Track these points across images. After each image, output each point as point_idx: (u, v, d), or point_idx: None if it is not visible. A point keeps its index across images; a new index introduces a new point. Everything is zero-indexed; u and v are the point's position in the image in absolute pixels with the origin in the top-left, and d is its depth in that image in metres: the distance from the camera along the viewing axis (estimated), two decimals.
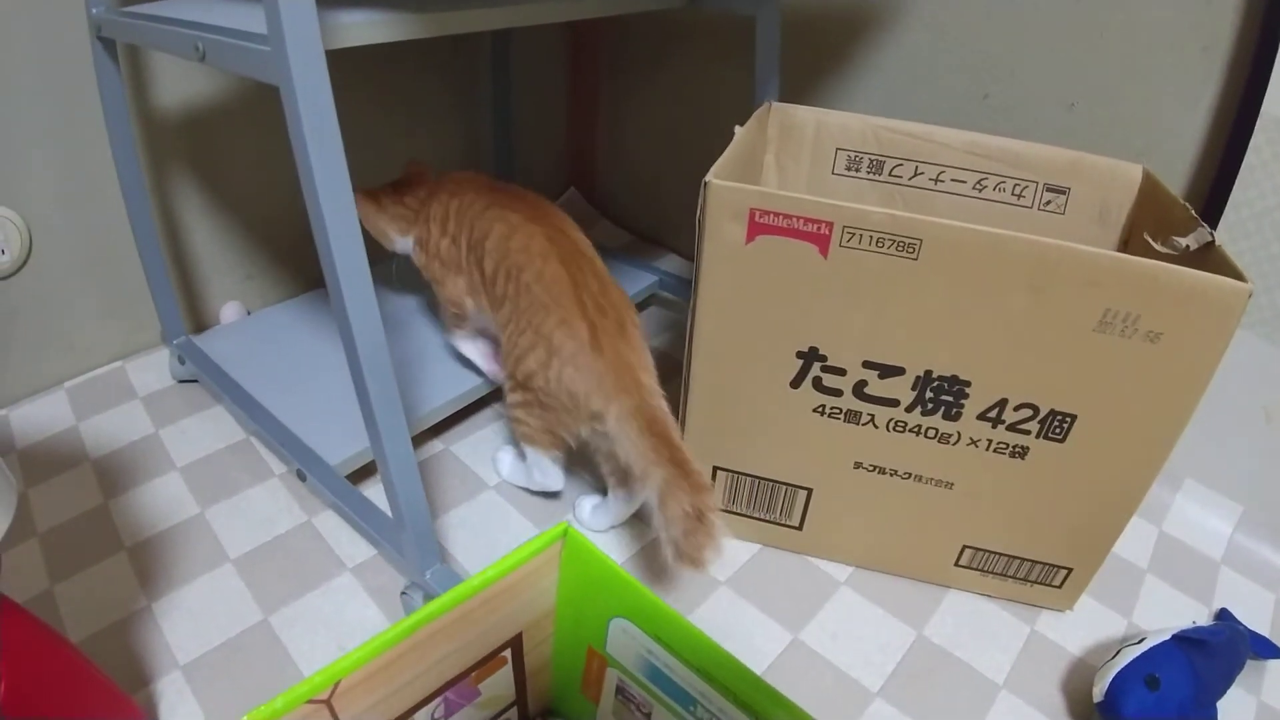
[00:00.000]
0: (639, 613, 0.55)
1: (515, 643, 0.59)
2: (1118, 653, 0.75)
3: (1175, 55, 0.90)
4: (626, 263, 1.34)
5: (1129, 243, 0.88)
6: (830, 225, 0.68)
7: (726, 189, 0.69)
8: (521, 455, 0.92)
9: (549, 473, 0.88)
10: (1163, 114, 0.93)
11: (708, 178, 0.70)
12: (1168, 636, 0.75)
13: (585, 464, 0.94)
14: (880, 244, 0.68)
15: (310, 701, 0.48)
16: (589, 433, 0.81)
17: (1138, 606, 0.88)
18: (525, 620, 0.59)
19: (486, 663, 0.58)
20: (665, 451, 0.74)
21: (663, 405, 0.79)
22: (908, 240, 0.67)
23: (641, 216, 1.62)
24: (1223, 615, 0.87)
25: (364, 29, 0.65)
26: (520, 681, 0.63)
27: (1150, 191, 0.85)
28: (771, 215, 0.69)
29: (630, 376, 0.79)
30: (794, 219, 0.68)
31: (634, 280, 1.27)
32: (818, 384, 0.76)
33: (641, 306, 1.34)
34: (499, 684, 0.61)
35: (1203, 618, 0.87)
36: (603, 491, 0.91)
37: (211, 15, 0.71)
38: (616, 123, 1.58)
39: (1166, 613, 0.87)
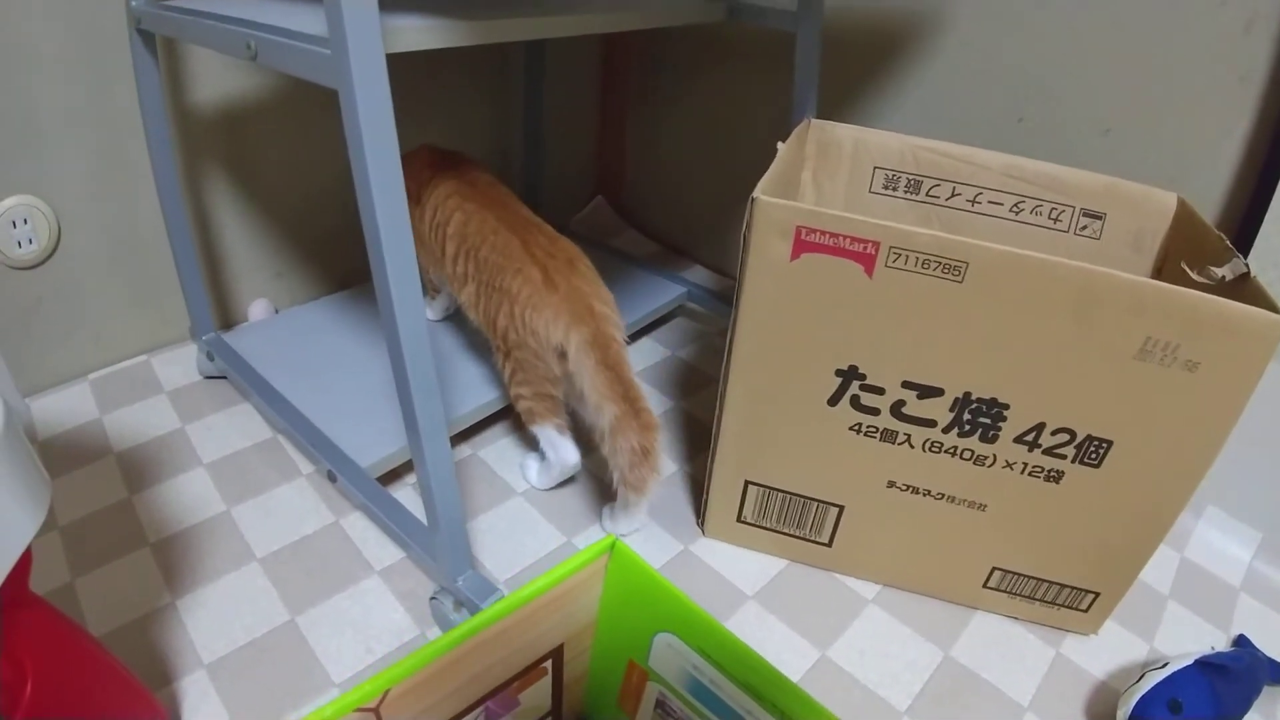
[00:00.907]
0: (686, 628, 0.55)
1: (557, 654, 0.59)
2: (1142, 676, 0.76)
3: (1211, 84, 0.91)
4: (654, 273, 1.34)
5: (1162, 270, 0.89)
6: (877, 245, 0.68)
7: (774, 206, 0.69)
8: (540, 454, 0.96)
9: (560, 446, 0.91)
10: (1197, 142, 0.93)
11: (755, 194, 0.70)
12: (1190, 661, 0.75)
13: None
14: (926, 265, 0.68)
15: (359, 709, 0.48)
16: (563, 374, 0.87)
17: (1159, 631, 0.88)
18: (568, 631, 0.59)
19: (528, 673, 0.58)
20: (619, 388, 0.82)
21: (619, 337, 0.85)
22: (954, 262, 0.67)
23: (667, 227, 1.62)
24: (1241, 641, 0.87)
25: (421, 34, 0.65)
26: (558, 692, 0.63)
27: (1185, 220, 0.85)
28: (818, 233, 0.69)
29: (584, 305, 0.85)
30: (840, 238, 0.68)
31: (662, 291, 1.27)
32: (855, 402, 0.76)
33: (668, 318, 1.34)
34: (538, 694, 0.61)
35: (1221, 643, 0.87)
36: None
37: (261, 13, 0.71)
38: (645, 133, 1.58)
39: (1187, 638, 0.87)
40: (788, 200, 0.70)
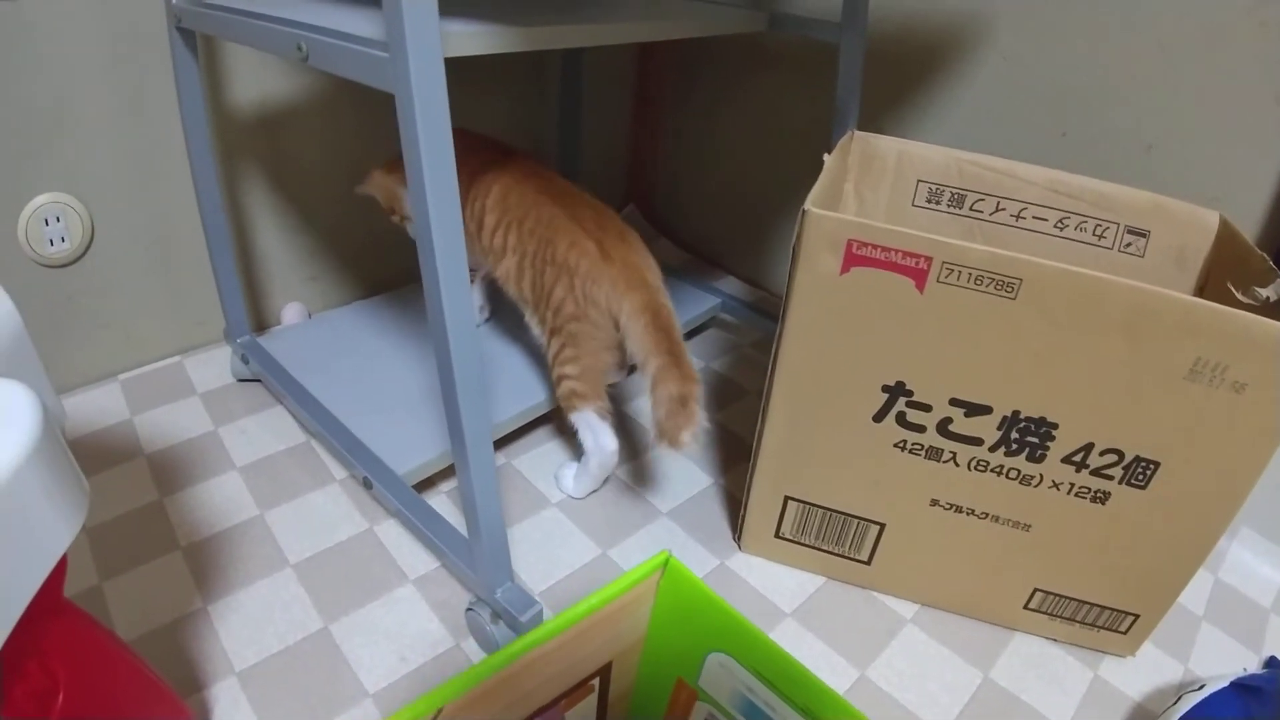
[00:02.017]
0: (742, 648, 0.54)
1: (604, 671, 0.58)
2: (1179, 699, 0.75)
3: (1251, 104, 0.90)
4: (687, 283, 1.33)
5: (1205, 289, 0.88)
6: (929, 260, 0.67)
7: (825, 218, 0.68)
8: (577, 461, 0.97)
9: (600, 432, 0.91)
10: (1237, 162, 0.93)
11: (806, 206, 0.69)
12: (1226, 683, 0.75)
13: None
14: (979, 281, 0.67)
15: None
16: (618, 350, 0.90)
17: (1194, 653, 0.87)
18: (617, 649, 0.58)
19: (575, 691, 0.57)
20: (665, 344, 0.85)
21: (667, 303, 0.88)
22: (1008, 279, 0.66)
23: (700, 237, 1.61)
24: (1272, 663, 0.86)
25: (476, 39, 0.65)
26: (603, 710, 0.62)
27: (1227, 239, 0.84)
28: (869, 247, 0.68)
29: (638, 275, 0.88)
30: (892, 252, 0.67)
31: (696, 302, 1.27)
32: (901, 419, 0.75)
33: (701, 329, 1.33)
34: (584, 712, 0.60)
35: (1253, 665, 0.87)
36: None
37: (310, 14, 0.71)
38: (679, 142, 1.57)
39: (1221, 659, 0.87)
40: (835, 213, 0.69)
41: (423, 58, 0.54)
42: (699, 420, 0.83)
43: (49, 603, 0.52)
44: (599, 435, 0.91)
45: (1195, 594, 0.94)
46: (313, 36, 0.64)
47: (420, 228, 0.59)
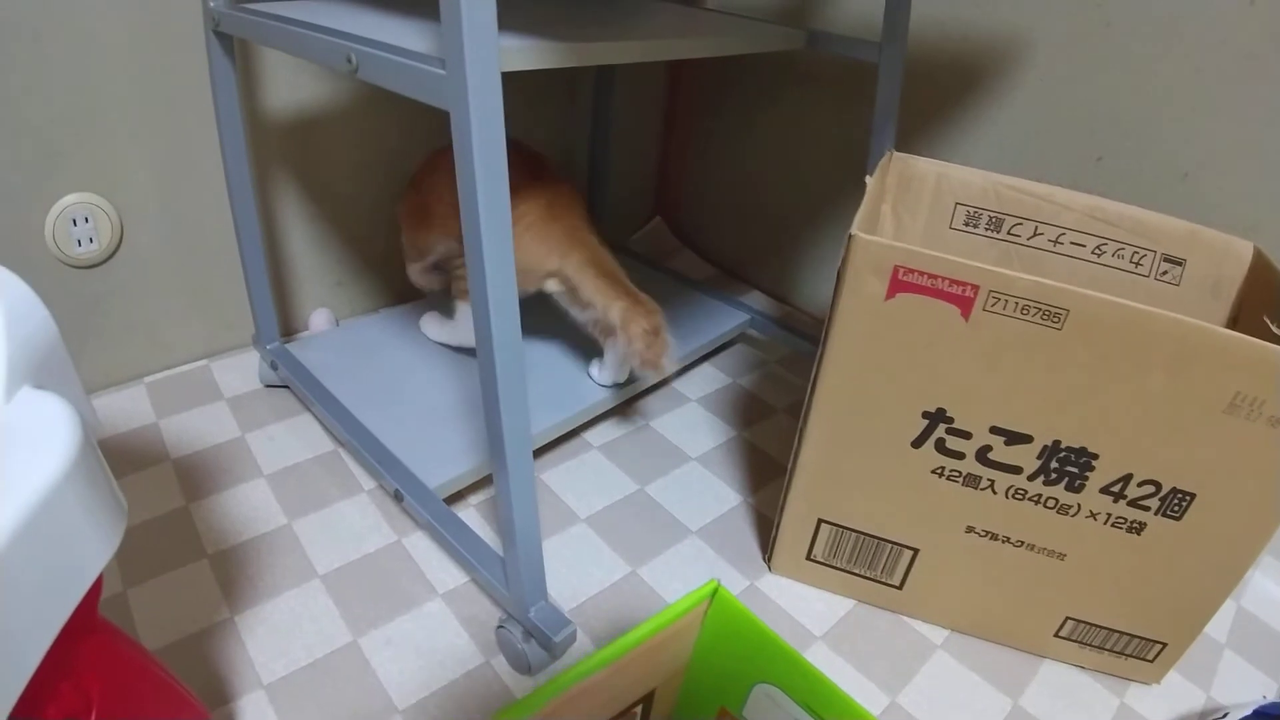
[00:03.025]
0: (791, 680, 0.53)
1: (648, 699, 0.58)
2: None
3: None
4: (715, 297, 1.32)
5: (1238, 319, 0.87)
6: (976, 288, 0.67)
7: (872, 244, 0.68)
8: (449, 315, 1.09)
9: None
10: (1273, 190, 0.92)
11: (853, 231, 0.68)
12: (1249, 711, 0.76)
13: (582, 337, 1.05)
14: (1025, 311, 0.66)
15: None
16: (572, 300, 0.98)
17: (1216, 681, 0.87)
18: (661, 676, 0.58)
19: (618, 718, 0.57)
20: (620, 288, 0.94)
21: (609, 255, 0.97)
22: (1054, 309, 0.66)
23: (726, 251, 1.61)
24: None
25: (531, 54, 0.65)
26: None
27: (1261, 270, 0.84)
28: (916, 274, 0.67)
29: (580, 237, 0.96)
30: (939, 279, 0.67)
31: (725, 318, 1.26)
32: (940, 445, 0.75)
33: (729, 345, 1.33)
34: None
35: (1274, 692, 0.86)
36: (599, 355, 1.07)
37: (360, 25, 0.70)
38: (708, 156, 1.57)
39: (1243, 687, 0.86)
40: (872, 234, 0.69)
41: (481, 75, 0.54)
42: (673, 346, 0.96)
43: (83, 622, 0.52)
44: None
45: (1218, 622, 0.94)
46: (364, 49, 0.63)
47: (470, 241, 0.59)
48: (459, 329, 1.08)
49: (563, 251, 0.94)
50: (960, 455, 0.75)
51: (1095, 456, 0.71)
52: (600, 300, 0.93)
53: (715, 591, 0.55)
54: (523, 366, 0.63)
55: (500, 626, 0.77)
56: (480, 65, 0.54)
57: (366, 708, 0.72)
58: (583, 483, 1.00)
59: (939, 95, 1.15)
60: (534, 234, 0.94)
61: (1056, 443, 0.72)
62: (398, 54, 0.61)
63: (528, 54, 0.64)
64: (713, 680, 0.59)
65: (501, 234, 0.58)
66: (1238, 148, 0.94)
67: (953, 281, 0.67)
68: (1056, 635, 0.83)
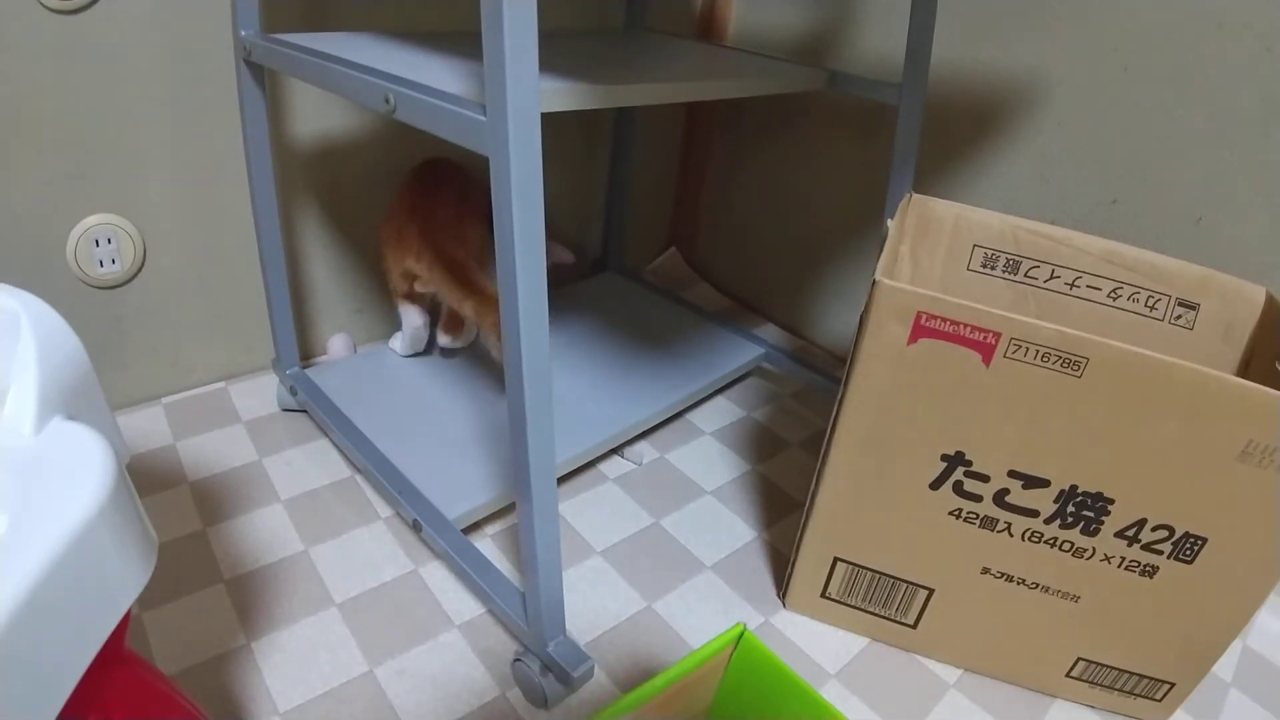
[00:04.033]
0: None
1: None
2: None
3: None
4: (730, 330, 1.33)
5: (1250, 364, 0.88)
6: (998, 335, 0.67)
7: (895, 290, 0.69)
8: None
9: (409, 313, 1.11)
10: None
11: (876, 277, 0.69)
12: None
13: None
14: (1046, 359, 0.67)
15: None
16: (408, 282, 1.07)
17: (1222, 719, 0.87)
18: (685, 716, 0.58)
19: None
20: (469, 286, 0.97)
21: (468, 253, 1.02)
22: (1075, 357, 0.66)
23: (741, 284, 1.61)
24: None
25: (567, 96, 0.66)
26: None
27: (1273, 314, 0.85)
28: (939, 320, 0.68)
29: (434, 238, 1.02)
30: (961, 326, 0.68)
31: (740, 351, 1.27)
32: (958, 488, 0.76)
33: (744, 378, 1.34)
34: None
35: None
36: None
37: (398, 64, 0.71)
38: (724, 188, 1.58)
39: None
40: (886, 276, 0.70)
41: (521, 122, 0.55)
42: None
43: (112, 653, 0.52)
44: (407, 314, 1.11)
45: (1224, 661, 0.94)
46: (403, 91, 0.64)
47: (505, 281, 0.59)
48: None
49: (416, 251, 1.01)
50: (978, 498, 0.76)
51: (1111, 501, 0.72)
52: (455, 299, 0.99)
53: (741, 635, 0.56)
54: (550, 399, 0.64)
55: (517, 660, 0.77)
56: (522, 113, 0.55)
57: None
58: (598, 515, 1.00)
59: (957, 136, 1.17)
60: (394, 237, 1.04)
61: (1074, 487, 0.72)
62: (438, 97, 0.62)
63: (564, 96, 0.65)
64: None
65: (536, 271, 0.59)
66: (1251, 193, 0.95)
67: (975, 328, 0.68)
68: (1068, 675, 0.84)
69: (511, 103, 0.54)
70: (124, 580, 0.45)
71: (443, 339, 1.14)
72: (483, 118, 0.57)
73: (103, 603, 0.43)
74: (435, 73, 0.69)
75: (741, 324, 1.44)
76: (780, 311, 1.55)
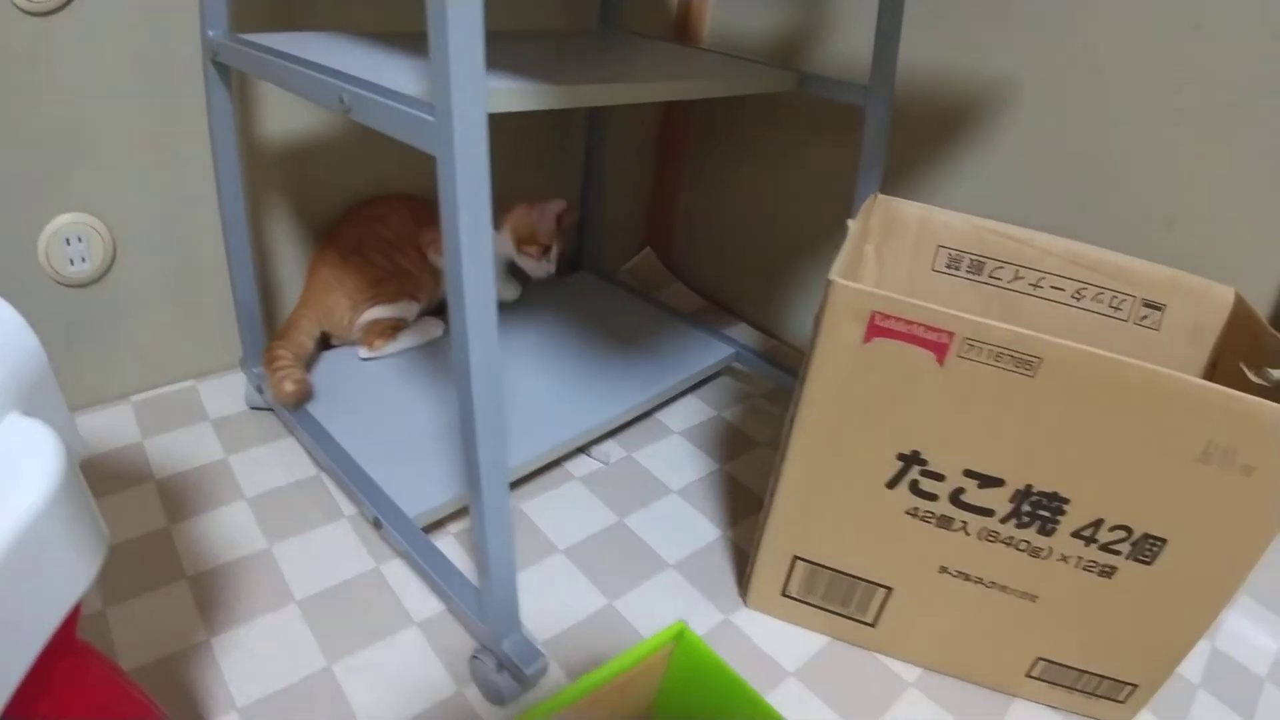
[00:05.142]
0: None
1: None
2: None
3: (1272, 184, 0.91)
4: (701, 330, 1.33)
5: (1217, 365, 0.88)
6: (951, 335, 0.68)
7: (850, 290, 0.69)
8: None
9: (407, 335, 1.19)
10: (1256, 239, 0.93)
11: (831, 276, 0.69)
12: None
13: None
14: (999, 358, 0.67)
15: None
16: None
17: None
18: (626, 714, 0.58)
19: None
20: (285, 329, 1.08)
21: (313, 298, 1.12)
22: (1028, 357, 0.67)
23: (715, 284, 1.62)
24: None
25: (518, 97, 0.66)
26: None
27: (1241, 316, 0.85)
28: (893, 319, 0.69)
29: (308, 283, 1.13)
30: (915, 325, 0.68)
31: (710, 351, 1.27)
32: (914, 487, 0.76)
33: (714, 377, 1.34)
34: None
35: None
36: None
37: (353, 63, 0.71)
38: (699, 189, 1.59)
39: None
40: (851, 276, 0.70)
41: (467, 122, 0.55)
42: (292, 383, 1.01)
43: (63, 644, 0.53)
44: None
45: (1192, 662, 0.94)
46: (356, 91, 0.64)
47: (453, 281, 0.60)
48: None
49: (346, 307, 1.12)
50: (934, 497, 0.76)
51: (1067, 501, 0.72)
52: (404, 285, 1.14)
53: (681, 633, 0.56)
54: (501, 400, 0.64)
55: (474, 657, 0.77)
56: (466, 114, 0.55)
57: None
58: (562, 513, 1.00)
59: (927, 139, 1.17)
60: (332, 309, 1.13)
61: (1029, 487, 0.73)
62: (389, 97, 0.62)
63: (515, 96, 0.66)
64: (678, 718, 0.59)
65: (483, 274, 0.59)
66: (1222, 195, 0.95)
67: (929, 328, 0.68)
68: (1028, 675, 0.84)
69: (457, 103, 0.54)
70: (73, 573, 0.45)
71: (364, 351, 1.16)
72: (430, 118, 0.57)
73: (51, 594, 0.43)
74: (394, 73, 0.69)
75: (715, 324, 1.45)
76: (754, 312, 1.55)
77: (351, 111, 0.65)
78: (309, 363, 1.11)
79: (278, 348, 1.04)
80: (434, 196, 0.58)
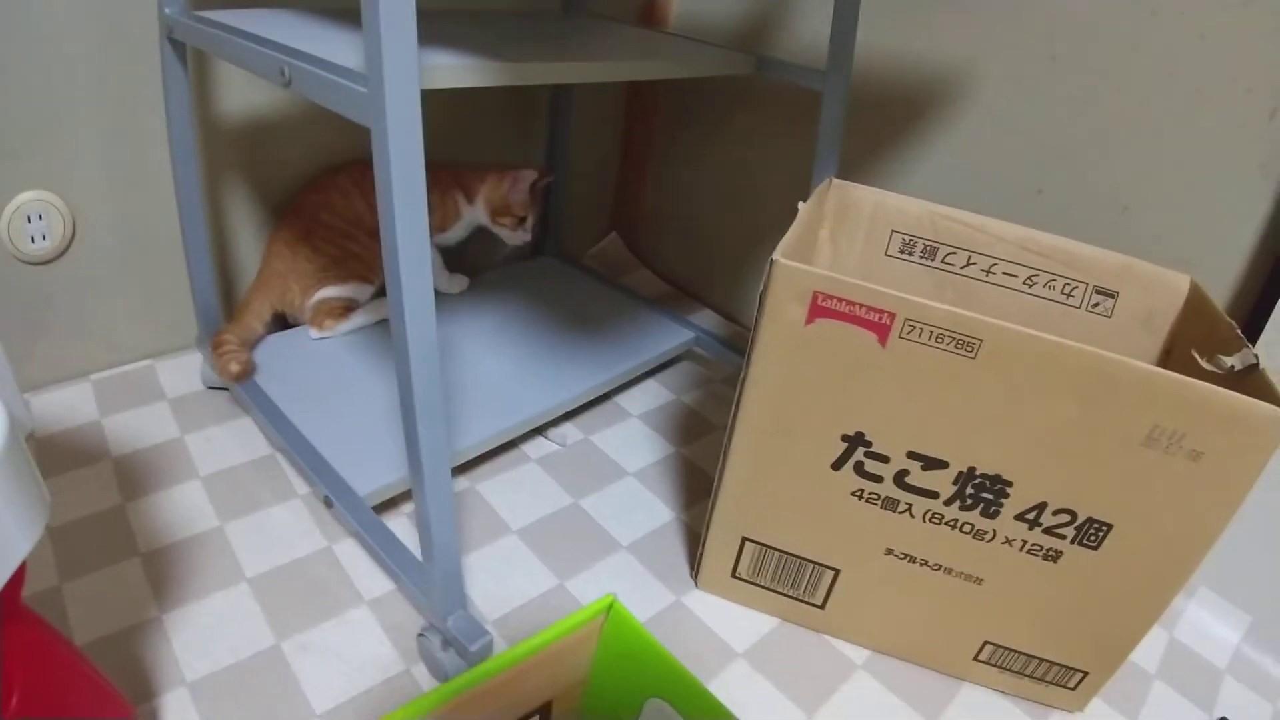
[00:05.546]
0: (678, 695, 0.55)
1: (545, 709, 0.59)
2: None
3: (1232, 169, 0.91)
4: (663, 315, 1.33)
5: (1171, 352, 0.89)
6: (892, 316, 0.68)
7: (793, 270, 0.69)
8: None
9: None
10: (1215, 227, 0.94)
11: (775, 256, 0.70)
12: None
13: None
14: (940, 340, 0.68)
15: None
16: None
17: (1144, 711, 0.87)
18: (559, 688, 0.58)
19: None
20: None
21: (263, 281, 1.13)
22: (968, 339, 0.67)
23: (681, 269, 1.62)
24: None
25: (456, 73, 0.66)
26: None
27: (1196, 303, 0.86)
28: (835, 300, 0.69)
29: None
30: (857, 306, 0.68)
31: (669, 335, 1.27)
32: (859, 468, 0.76)
33: (674, 362, 1.34)
34: None
35: None
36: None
37: (298, 38, 0.71)
38: (666, 175, 1.59)
39: (1170, 719, 0.87)
40: (805, 260, 0.70)
41: (400, 95, 0.55)
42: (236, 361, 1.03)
43: (7, 609, 0.53)
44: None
45: (1149, 652, 0.95)
46: (296, 64, 0.64)
47: (388, 255, 0.60)
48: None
49: (298, 289, 1.13)
50: (879, 479, 0.76)
51: (1010, 484, 0.73)
52: (352, 269, 1.14)
53: (611, 606, 0.56)
54: (440, 380, 0.64)
55: (421, 635, 0.78)
56: (399, 84, 0.55)
57: (286, 711, 0.73)
58: (517, 494, 1.01)
59: (886, 124, 1.17)
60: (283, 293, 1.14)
61: (972, 469, 0.73)
62: (325, 69, 0.62)
63: (454, 72, 0.66)
64: (611, 694, 0.60)
65: (418, 249, 0.60)
66: (1181, 183, 0.95)
67: (870, 309, 0.68)
68: (976, 659, 0.84)
69: (389, 75, 0.54)
70: (13, 539, 0.46)
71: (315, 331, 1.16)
72: (364, 89, 0.57)
73: None
74: (336, 47, 0.69)
75: (679, 310, 1.45)
76: (719, 297, 1.55)
77: (292, 84, 0.65)
78: (258, 343, 1.12)
79: (225, 332, 1.05)
80: None
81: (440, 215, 1.20)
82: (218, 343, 1.03)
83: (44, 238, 0.99)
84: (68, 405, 1.03)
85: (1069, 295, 0.91)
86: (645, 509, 1.01)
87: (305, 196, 1.15)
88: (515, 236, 1.23)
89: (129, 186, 1.03)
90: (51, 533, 0.85)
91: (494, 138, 1.41)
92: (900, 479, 0.75)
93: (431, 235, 1.19)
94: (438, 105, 1.21)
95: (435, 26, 0.84)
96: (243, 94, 1.08)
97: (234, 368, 1.00)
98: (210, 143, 1.07)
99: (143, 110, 0.99)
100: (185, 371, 1.12)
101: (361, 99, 0.57)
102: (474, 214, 1.22)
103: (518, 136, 1.44)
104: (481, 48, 0.75)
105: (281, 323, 1.16)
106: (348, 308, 1.15)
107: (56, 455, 0.95)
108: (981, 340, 0.67)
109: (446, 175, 1.20)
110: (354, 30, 0.78)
